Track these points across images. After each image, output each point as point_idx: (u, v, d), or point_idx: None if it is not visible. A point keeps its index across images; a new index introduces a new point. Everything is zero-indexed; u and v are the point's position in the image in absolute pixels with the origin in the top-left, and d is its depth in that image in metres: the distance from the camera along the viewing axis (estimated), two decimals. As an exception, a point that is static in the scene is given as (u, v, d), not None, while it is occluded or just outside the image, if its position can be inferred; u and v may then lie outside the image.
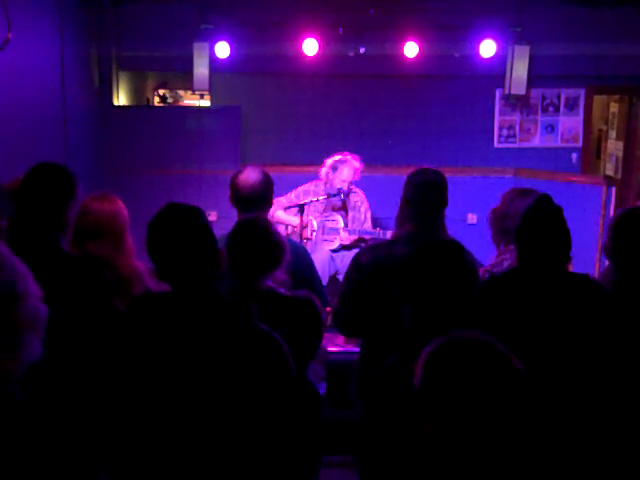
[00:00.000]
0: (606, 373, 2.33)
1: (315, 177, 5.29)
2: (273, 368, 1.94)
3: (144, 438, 1.93)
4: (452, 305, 1.88)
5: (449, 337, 1.46)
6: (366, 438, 1.90)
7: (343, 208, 5.29)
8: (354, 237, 5.03)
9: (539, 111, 6.48)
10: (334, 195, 5.08)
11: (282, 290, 2.56)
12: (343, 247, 5.11)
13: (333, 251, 5.16)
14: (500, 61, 6.10)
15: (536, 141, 6.53)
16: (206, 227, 1.99)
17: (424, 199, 2.79)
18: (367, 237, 5.01)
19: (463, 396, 1.37)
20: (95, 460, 1.49)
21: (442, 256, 1.93)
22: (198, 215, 1.99)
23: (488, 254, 3.22)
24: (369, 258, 2.82)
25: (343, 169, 5.09)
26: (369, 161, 5.46)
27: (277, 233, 2.59)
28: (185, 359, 1.89)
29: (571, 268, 2.73)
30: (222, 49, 5.92)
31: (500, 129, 6.50)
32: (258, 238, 2.50)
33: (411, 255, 1.99)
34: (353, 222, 5.24)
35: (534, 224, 2.46)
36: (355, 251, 4.96)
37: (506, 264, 2.99)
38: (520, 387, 1.40)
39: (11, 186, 2.74)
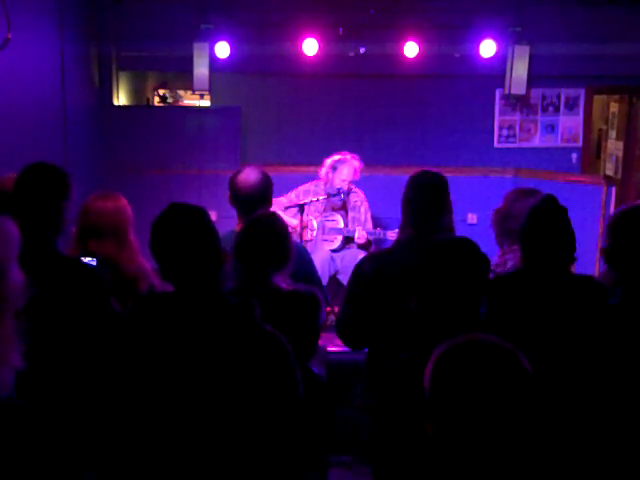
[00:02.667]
0: (609, 375, 2.33)
1: (315, 177, 5.29)
2: (277, 369, 1.94)
3: (146, 440, 1.92)
4: (463, 303, 1.87)
5: (461, 339, 1.44)
6: (378, 436, 1.89)
7: (343, 208, 5.29)
8: (368, 237, 5.01)
9: (539, 111, 6.48)
10: (334, 195, 5.08)
11: (283, 285, 2.57)
12: (359, 246, 5.10)
13: (333, 251, 5.16)
14: (500, 61, 6.10)
15: (536, 141, 6.53)
16: (210, 227, 1.99)
17: (424, 202, 2.76)
18: (371, 237, 5.01)
19: (474, 399, 1.35)
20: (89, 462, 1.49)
21: (449, 255, 1.92)
22: (202, 215, 1.99)
23: (489, 254, 3.21)
24: (371, 267, 2.78)
25: (343, 169, 5.09)
26: (369, 161, 5.45)
27: (288, 231, 2.63)
28: (188, 360, 1.88)
29: (571, 268, 2.73)
30: (222, 49, 5.92)
31: (500, 129, 6.50)
32: (273, 235, 2.53)
33: (420, 257, 1.98)
34: (353, 222, 5.23)
35: (539, 224, 2.44)
36: (359, 251, 5.01)
37: (510, 264, 2.99)
38: (530, 390, 1.38)
39: (2, 184, 2.70)
